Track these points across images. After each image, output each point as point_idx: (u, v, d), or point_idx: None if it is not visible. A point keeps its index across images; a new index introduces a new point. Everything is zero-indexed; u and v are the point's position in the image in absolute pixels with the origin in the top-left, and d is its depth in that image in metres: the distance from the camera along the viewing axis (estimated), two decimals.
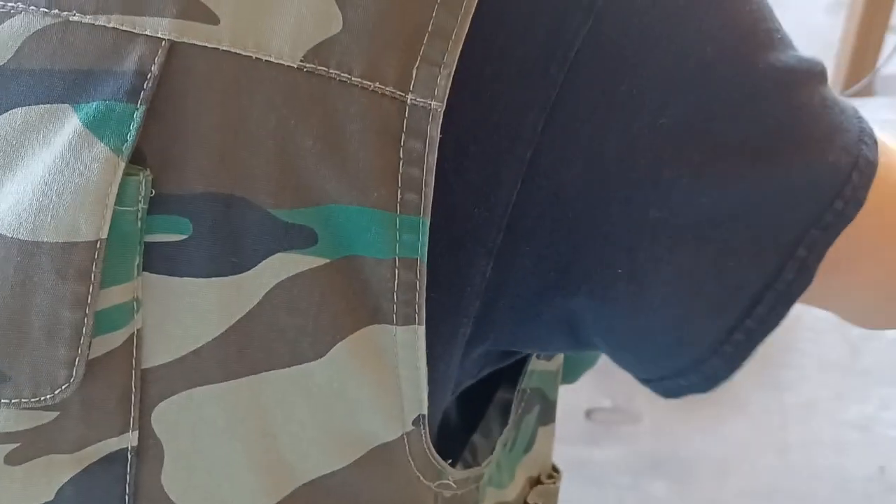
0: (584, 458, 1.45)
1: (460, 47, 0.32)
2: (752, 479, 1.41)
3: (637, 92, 0.34)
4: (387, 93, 0.31)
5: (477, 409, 0.48)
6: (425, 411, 0.36)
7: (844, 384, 1.37)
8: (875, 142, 0.39)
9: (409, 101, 0.31)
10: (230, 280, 0.33)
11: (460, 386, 0.41)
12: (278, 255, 0.33)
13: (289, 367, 0.34)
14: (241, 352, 0.34)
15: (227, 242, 0.32)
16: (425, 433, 0.37)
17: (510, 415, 0.48)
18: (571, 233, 0.36)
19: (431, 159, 0.32)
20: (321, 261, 0.33)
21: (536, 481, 0.53)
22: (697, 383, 0.40)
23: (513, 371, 0.48)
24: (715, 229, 0.36)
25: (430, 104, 0.32)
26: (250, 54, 0.31)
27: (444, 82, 0.32)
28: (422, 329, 0.34)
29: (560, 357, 0.50)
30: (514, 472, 0.50)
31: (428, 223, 0.33)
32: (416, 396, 0.36)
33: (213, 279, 0.33)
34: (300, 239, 0.33)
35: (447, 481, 0.40)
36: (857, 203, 0.37)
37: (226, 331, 0.34)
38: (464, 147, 0.33)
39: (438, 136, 0.32)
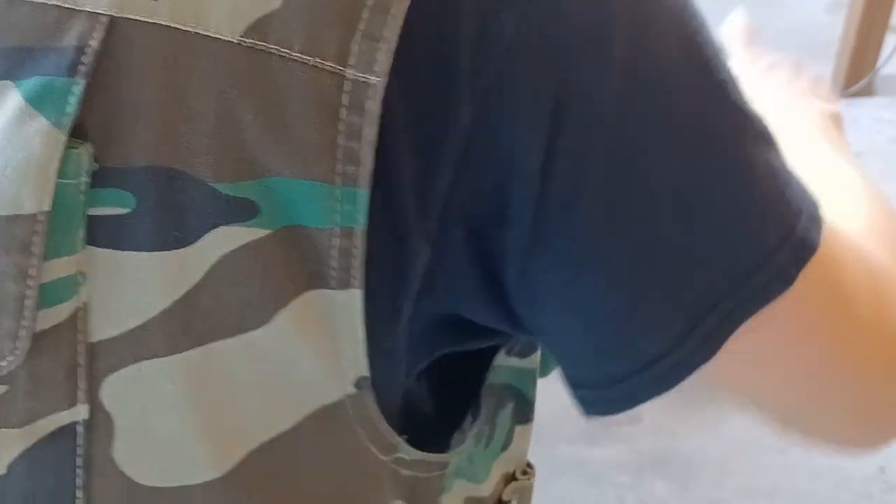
0: (584, 457, 1.45)
1: (400, 23, 0.32)
2: (752, 477, 1.41)
3: (567, 103, 0.33)
4: (326, 67, 0.32)
5: (457, 403, 0.48)
6: (367, 373, 0.36)
7: None
8: (820, 226, 0.36)
9: (348, 75, 0.32)
10: (174, 254, 0.33)
11: (417, 365, 0.41)
12: (221, 228, 0.33)
13: (234, 336, 0.35)
14: (188, 325, 0.34)
15: (170, 216, 0.33)
16: (371, 400, 0.37)
17: (480, 408, 0.48)
18: (496, 231, 0.36)
19: (369, 132, 0.32)
20: (262, 232, 0.33)
21: (511, 477, 0.53)
22: (603, 405, 0.40)
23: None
24: (625, 274, 0.36)
25: (370, 79, 0.32)
26: (189, 29, 0.31)
27: (383, 57, 0.32)
28: (359, 293, 0.34)
29: (537, 356, 0.50)
30: (490, 469, 0.50)
31: (367, 195, 0.33)
32: (354, 356, 0.36)
33: (157, 253, 0.33)
34: (241, 212, 0.33)
35: (402, 455, 0.40)
36: (783, 282, 0.35)
37: (171, 304, 0.34)
38: (405, 129, 0.34)
39: (378, 110, 0.32)
